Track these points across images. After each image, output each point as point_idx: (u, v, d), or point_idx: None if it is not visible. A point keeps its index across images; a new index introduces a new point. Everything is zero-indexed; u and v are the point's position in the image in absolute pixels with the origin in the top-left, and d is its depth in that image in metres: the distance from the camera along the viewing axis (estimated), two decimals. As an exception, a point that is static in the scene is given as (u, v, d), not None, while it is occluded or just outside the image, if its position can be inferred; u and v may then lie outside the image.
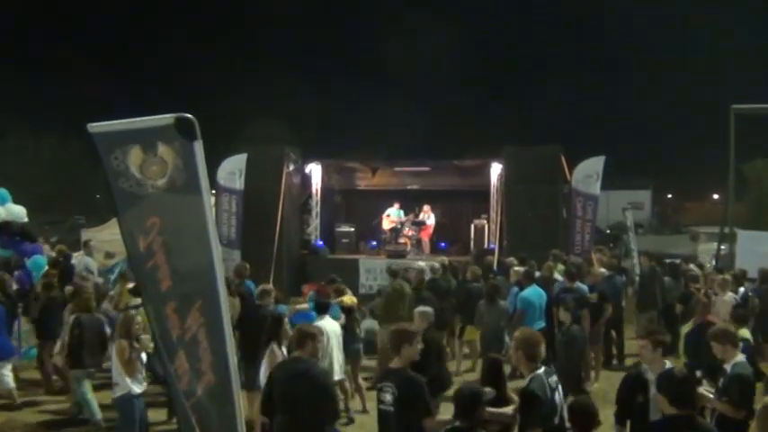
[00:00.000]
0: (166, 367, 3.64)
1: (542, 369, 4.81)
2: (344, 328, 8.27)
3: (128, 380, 6.47)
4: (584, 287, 10.07)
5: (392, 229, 18.31)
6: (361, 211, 20.17)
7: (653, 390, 4.67)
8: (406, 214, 18.59)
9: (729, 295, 9.91)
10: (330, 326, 7.63)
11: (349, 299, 9.36)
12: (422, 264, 12.10)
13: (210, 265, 3.41)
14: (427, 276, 11.22)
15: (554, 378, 4.81)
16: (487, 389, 4.75)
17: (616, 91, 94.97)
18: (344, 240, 18.64)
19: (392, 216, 18.51)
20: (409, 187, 19.70)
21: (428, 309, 7.41)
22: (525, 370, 4.86)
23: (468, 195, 19.42)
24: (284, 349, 6.40)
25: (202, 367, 3.47)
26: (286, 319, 7.09)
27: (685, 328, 7.86)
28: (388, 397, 4.63)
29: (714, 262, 16.22)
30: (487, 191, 17.83)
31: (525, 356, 4.84)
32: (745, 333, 6.88)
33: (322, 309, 7.95)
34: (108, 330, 8.11)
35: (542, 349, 4.90)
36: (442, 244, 19.00)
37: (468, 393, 4.52)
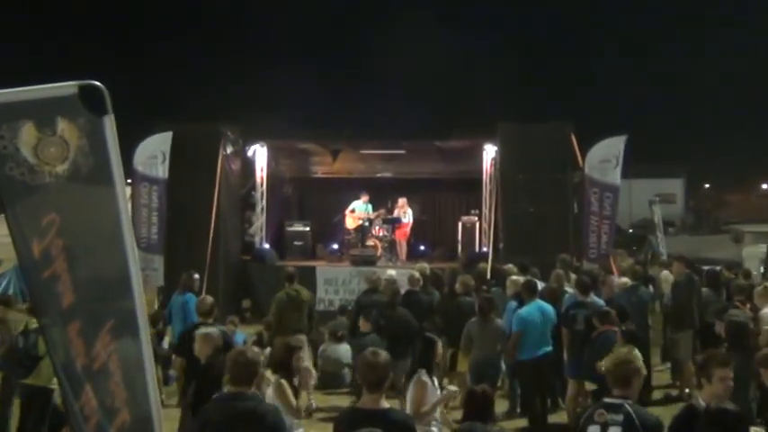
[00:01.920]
0: (70, 406, 3.57)
1: None
2: None
3: (295, 422, 6.55)
4: (600, 301, 10.12)
5: (358, 229, 18.29)
6: (319, 205, 20.17)
7: None
8: (375, 209, 18.57)
9: (778, 308, 9.88)
10: None
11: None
12: (392, 272, 11.99)
13: (125, 274, 3.40)
14: (403, 289, 11.18)
15: None
16: None
17: (641, 53, 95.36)
18: (297, 243, 18.65)
19: (358, 212, 18.49)
20: (380, 175, 19.75)
21: (213, 330, 7.44)
22: None
23: (454, 186, 19.63)
24: (435, 379, 6.78)
25: (115, 404, 3.43)
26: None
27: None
28: None
29: (762, 268, 16.41)
30: (479, 180, 17.99)
31: None
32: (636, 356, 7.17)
33: None
34: None
35: None
36: (422, 247, 19.10)
37: None
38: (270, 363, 7.23)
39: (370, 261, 16.93)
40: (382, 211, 18.52)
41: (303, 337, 10.02)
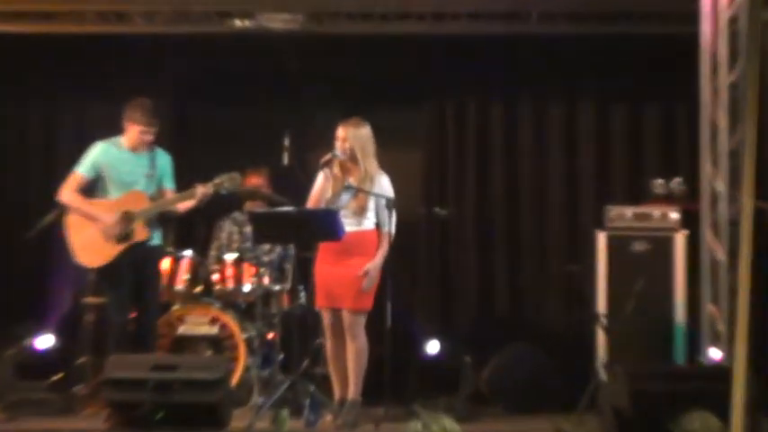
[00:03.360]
0: None
1: None
2: None
3: None
4: None
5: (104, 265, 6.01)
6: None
7: None
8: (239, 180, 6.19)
9: None
10: None
11: None
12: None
13: None
14: None
15: None
16: None
17: None
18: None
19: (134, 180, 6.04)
20: (245, 24, 7.26)
21: None
22: None
23: (602, 111, 7.68)
24: None
25: None
26: None
27: None
28: None
29: None
30: (687, 52, 6.65)
31: None
32: None
33: None
34: None
35: None
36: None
37: None
38: None
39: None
40: (260, 181, 6.44)
41: None
